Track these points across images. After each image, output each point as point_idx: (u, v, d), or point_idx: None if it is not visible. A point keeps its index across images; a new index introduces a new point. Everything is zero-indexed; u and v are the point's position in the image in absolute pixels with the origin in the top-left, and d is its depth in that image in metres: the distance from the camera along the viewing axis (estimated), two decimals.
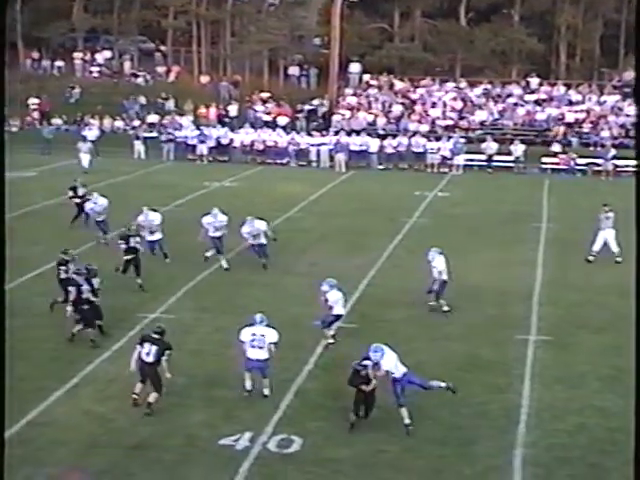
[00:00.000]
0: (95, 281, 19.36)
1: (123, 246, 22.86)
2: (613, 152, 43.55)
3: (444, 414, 15.18)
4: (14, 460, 13.69)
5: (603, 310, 21.78)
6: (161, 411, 15.77)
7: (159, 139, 47.44)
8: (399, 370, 15.03)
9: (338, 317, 19.41)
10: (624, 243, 24.93)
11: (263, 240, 24.72)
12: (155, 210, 25.98)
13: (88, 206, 27.90)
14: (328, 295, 19.13)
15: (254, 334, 16.47)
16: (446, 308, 21.41)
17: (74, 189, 29.73)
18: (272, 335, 16.55)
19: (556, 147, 45.57)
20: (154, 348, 15.84)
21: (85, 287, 19.00)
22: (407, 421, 14.92)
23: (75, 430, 15.03)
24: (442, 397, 15.40)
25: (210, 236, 24.86)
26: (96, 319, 19.10)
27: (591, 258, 26.16)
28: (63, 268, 20.51)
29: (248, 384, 16.54)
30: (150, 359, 15.83)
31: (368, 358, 15.07)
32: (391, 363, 14.97)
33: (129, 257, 22.81)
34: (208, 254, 24.95)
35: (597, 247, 26.16)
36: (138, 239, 23.17)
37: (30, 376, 17.05)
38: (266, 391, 16.55)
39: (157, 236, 25.18)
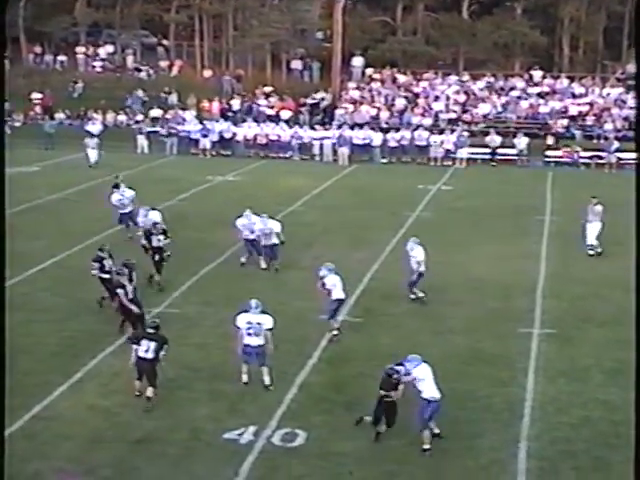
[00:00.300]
0: (134, 275, 19.36)
1: (144, 241, 22.58)
2: (616, 145, 43.50)
3: (448, 408, 15.14)
4: (19, 454, 13.76)
5: (607, 303, 21.77)
6: (166, 405, 15.81)
7: (161, 133, 47.41)
8: (429, 389, 14.22)
9: (340, 302, 19.36)
10: (627, 236, 24.86)
11: (275, 240, 24.18)
12: (154, 209, 25.62)
13: (115, 197, 27.35)
14: (326, 280, 19.12)
15: (250, 322, 16.60)
16: (421, 295, 21.59)
17: (116, 186, 28.74)
18: (268, 322, 16.69)
19: (550, 140, 45.52)
20: (153, 344, 15.88)
21: (129, 288, 18.87)
22: (427, 446, 14.24)
23: (80, 424, 15.06)
24: (446, 391, 15.37)
25: (244, 239, 24.50)
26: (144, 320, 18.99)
27: (591, 252, 26.17)
28: (97, 265, 20.45)
29: (245, 377, 16.69)
30: (150, 355, 15.85)
31: (401, 365, 14.63)
32: (422, 374, 14.35)
33: (157, 258, 22.44)
34: (263, 265, 24.36)
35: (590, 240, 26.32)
36: (161, 237, 22.64)
37: (34, 371, 17.09)
38: (267, 380, 16.63)
39: None
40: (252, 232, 24.26)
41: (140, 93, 52.80)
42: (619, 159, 43.03)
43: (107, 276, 20.11)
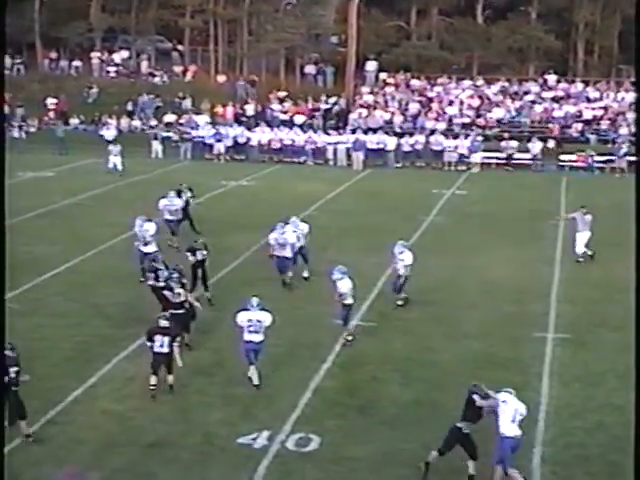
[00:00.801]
0: (184, 280, 19.40)
1: (191, 258, 22.10)
2: (625, 149, 43.40)
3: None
4: (34, 458, 13.81)
5: (621, 307, 21.57)
6: (179, 409, 15.84)
7: (172, 139, 47.40)
8: (509, 426, 13.35)
9: (350, 307, 19.31)
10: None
11: (288, 253, 23.27)
12: (150, 220, 25.16)
13: (162, 203, 26.93)
14: (339, 283, 19.09)
15: (250, 320, 16.90)
16: (400, 302, 21.56)
17: (179, 193, 28.07)
18: (268, 319, 17.00)
19: (551, 144, 45.41)
20: (166, 339, 16.22)
21: (178, 291, 18.83)
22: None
23: (93, 429, 15.08)
24: (459, 395, 15.33)
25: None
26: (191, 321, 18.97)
27: (581, 260, 26.16)
28: (152, 275, 20.34)
29: (255, 378, 16.79)
30: (165, 350, 16.22)
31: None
32: (505, 398, 13.64)
33: (201, 272, 22.08)
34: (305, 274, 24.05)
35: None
36: (205, 252, 22.20)
37: (48, 375, 17.11)
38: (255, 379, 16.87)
39: (151, 248, 23.17)
40: (298, 239, 23.71)
41: (146, 98, 52.75)
42: (631, 163, 42.81)
43: (162, 284, 19.86)
